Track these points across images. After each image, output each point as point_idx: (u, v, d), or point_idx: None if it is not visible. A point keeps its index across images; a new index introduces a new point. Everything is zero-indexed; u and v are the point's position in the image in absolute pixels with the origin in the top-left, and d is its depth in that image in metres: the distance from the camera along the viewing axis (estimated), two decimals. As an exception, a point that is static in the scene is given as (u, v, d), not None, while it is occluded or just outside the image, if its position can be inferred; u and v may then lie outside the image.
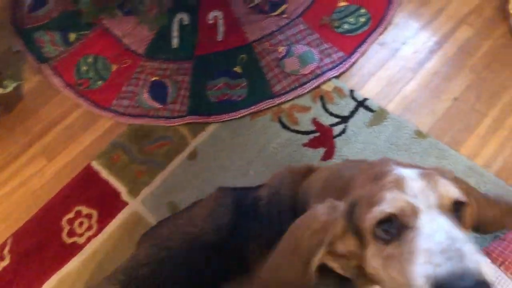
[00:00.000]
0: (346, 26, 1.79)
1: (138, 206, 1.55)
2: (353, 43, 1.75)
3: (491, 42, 1.68)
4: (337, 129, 1.58)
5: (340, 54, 1.72)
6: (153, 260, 0.92)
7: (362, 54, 1.73)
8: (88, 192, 1.59)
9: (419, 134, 1.53)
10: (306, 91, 1.66)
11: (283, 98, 1.66)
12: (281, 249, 0.73)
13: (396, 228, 0.65)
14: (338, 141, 1.56)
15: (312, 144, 1.57)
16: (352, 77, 1.69)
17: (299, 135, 1.59)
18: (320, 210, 0.71)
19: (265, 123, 1.64)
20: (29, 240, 1.53)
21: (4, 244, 1.54)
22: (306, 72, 1.70)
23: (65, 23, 1.99)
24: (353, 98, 1.63)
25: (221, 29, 1.88)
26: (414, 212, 0.65)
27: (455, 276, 0.55)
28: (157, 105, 1.74)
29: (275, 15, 1.87)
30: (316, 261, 0.70)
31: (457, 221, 0.67)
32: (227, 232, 0.90)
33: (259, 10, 1.89)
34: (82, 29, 1.96)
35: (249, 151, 1.59)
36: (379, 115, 1.58)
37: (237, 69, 1.76)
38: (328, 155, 1.54)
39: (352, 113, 1.60)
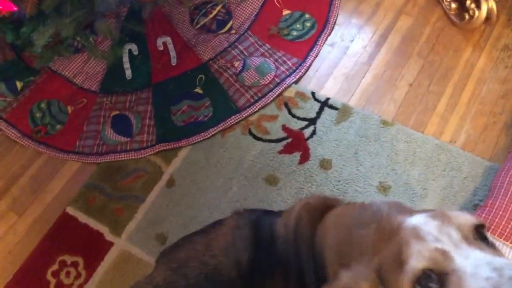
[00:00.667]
0: (294, 33, 1.85)
1: (124, 244, 1.51)
2: (304, 48, 1.81)
3: (430, 27, 1.80)
4: (307, 132, 1.62)
5: (295, 60, 1.78)
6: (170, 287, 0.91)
7: (315, 56, 1.79)
8: (69, 239, 1.53)
9: (385, 123, 1.60)
10: (270, 100, 1.69)
11: (249, 111, 1.68)
12: None
13: (436, 279, 0.60)
14: (311, 143, 1.60)
15: (287, 150, 1.60)
16: (311, 80, 1.75)
17: (273, 144, 1.62)
18: (347, 281, 0.67)
19: (237, 138, 1.65)
20: (15, 303, 1.45)
21: (-13, 312, 1.45)
22: (266, 82, 1.73)
23: (8, 72, 1.91)
24: (316, 99, 1.68)
25: (172, 53, 1.88)
26: (445, 256, 0.61)
27: None
28: (123, 139, 1.71)
29: (224, 33, 1.90)
30: None
31: (486, 245, 0.64)
32: (246, 268, 0.89)
33: (207, 29, 1.91)
34: (28, 76, 1.89)
35: (226, 168, 1.60)
36: (344, 112, 1.64)
37: (198, 90, 1.77)
38: (304, 158, 1.57)
39: (318, 114, 1.65)
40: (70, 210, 1.59)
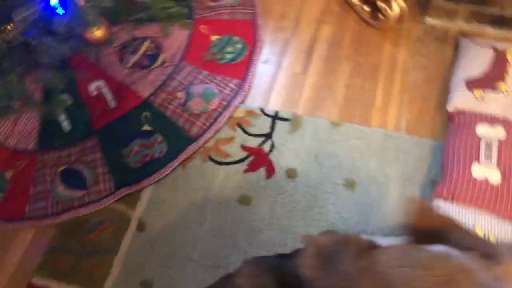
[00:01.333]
0: (228, 56, 1.89)
1: (109, 301, 1.42)
2: (241, 68, 1.86)
3: (350, 31, 1.95)
4: (266, 146, 1.66)
5: (236, 81, 1.82)
6: None
7: (254, 75, 1.84)
8: (46, 312, 1.40)
9: (334, 124, 1.70)
10: (222, 123, 1.71)
11: (204, 138, 1.68)
12: None
13: None
14: (272, 156, 1.64)
15: (252, 167, 1.62)
16: (255, 98, 1.80)
17: (236, 165, 1.63)
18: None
19: (199, 167, 1.64)
20: None
21: None
22: (214, 107, 1.75)
23: None
24: (266, 114, 1.73)
25: (108, 96, 1.82)
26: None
27: None
28: (78, 193, 1.61)
29: (158, 66, 1.88)
30: None
31: None
32: None
33: (140, 66, 1.89)
34: (-51, 148, 1.72)
35: (196, 199, 1.58)
36: (295, 121, 1.71)
37: (146, 127, 1.73)
38: (270, 172, 1.61)
39: (272, 128, 1.70)
40: (37, 280, 1.46)
